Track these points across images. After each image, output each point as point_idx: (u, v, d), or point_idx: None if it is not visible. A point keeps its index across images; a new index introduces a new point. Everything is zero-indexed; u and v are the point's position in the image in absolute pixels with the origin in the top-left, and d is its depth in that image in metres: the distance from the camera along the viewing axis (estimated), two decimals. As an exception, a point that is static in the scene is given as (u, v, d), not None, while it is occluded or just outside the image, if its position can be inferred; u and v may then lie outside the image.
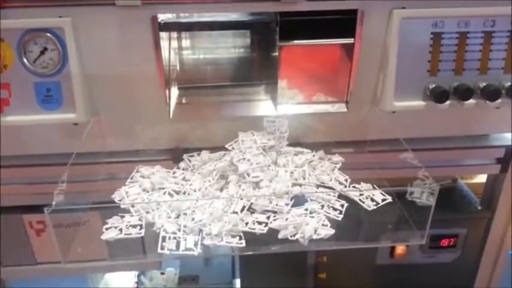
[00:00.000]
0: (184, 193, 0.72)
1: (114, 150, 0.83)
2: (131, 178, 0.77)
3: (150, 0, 0.69)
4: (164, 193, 0.72)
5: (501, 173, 0.92)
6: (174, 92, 0.85)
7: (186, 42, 0.87)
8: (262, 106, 0.84)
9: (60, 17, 0.70)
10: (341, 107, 0.83)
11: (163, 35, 0.80)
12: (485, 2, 0.73)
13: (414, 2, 0.73)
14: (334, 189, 0.73)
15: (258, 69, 0.89)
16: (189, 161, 0.80)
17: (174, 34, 0.86)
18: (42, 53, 0.72)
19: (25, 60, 0.72)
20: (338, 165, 0.79)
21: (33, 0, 0.70)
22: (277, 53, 0.78)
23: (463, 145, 0.88)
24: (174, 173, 0.78)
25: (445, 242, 1.01)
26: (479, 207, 1.00)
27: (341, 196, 0.71)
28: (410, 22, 0.73)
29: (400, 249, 1.02)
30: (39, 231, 0.90)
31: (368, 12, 0.73)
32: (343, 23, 0.75)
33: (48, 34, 0.71)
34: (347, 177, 0.77)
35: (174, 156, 0.83)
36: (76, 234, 0.77)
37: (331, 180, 0.75)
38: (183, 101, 0.84)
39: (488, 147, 0.89)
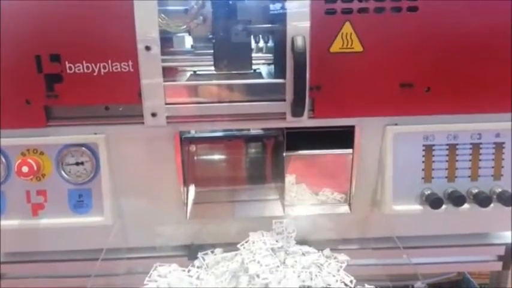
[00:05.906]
0: (198, 293, 0.77)
1: (134, 247, 0.90)
2: (149, 276, 0.83)
3: (174, 120, 0.80)
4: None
5: (503, 270, 0.94)
6: (191, 193, 0.93)
7: (203, 149, 0.97)
8: (272, 206, 0.92)
9: (95, 133, 0.81)
10: (344, 209, 0.89)
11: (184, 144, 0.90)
12: (470, 118, 0.82)
13: (406, 119, 0.82)
14: (339, 291, 0.77)
15: (268, 172, 0.98)
16: (203, 259, 0.86)
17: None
18: (77, 164, 0.82)
19: (62, 170, 0.82)
20: (344, 265, 0.84)
21: (71, 119, 0.81)
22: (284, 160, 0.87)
23: (464, 243, 0.93)
24: (189, 271, 0.84)
25: None
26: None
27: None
28: (403, 137, 0.82)
29: None
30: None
31: (364, 128, 0.82)
32: (342, 134, 0.84)
33: (84, 148, 0.81)
34: (352, 278, 0.81)
35: (189, 253, 0.89)
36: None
37: (337, 281, 0.79)
38: (199, 201, 0.92)
39: (489, 245, 0.93)
